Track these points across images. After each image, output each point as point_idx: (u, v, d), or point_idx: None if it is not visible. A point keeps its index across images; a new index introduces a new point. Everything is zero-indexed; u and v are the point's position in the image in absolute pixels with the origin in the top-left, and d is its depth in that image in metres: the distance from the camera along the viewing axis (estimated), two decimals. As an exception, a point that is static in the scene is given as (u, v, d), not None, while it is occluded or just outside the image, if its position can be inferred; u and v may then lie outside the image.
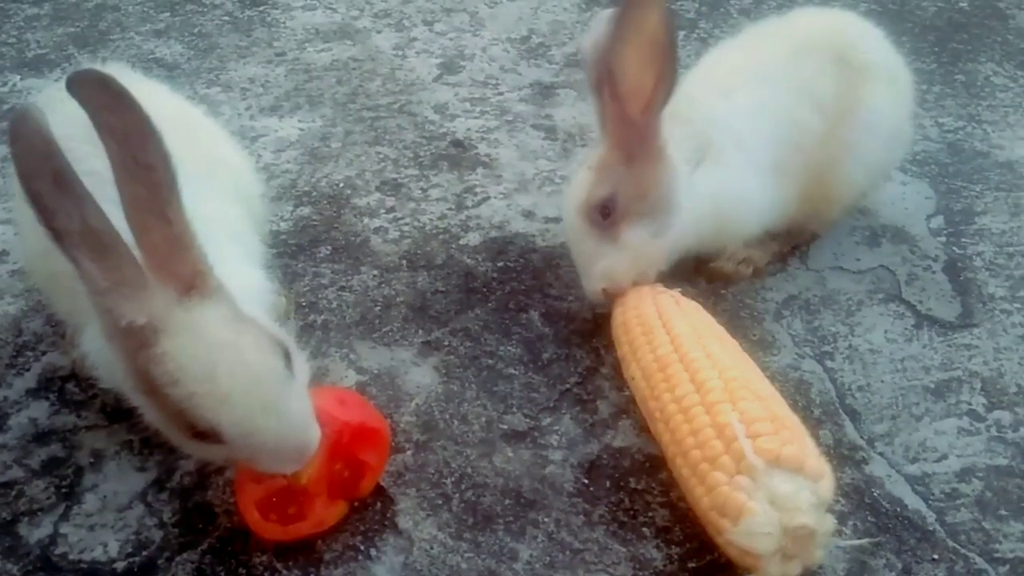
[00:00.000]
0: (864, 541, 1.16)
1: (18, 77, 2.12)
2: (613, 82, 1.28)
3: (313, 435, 1.03)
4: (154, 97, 1.35)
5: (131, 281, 0.93)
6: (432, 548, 1.16)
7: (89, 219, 0.91)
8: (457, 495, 1.22)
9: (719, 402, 1.11)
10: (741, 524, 1.02)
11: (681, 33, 2.14)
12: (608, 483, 1.24)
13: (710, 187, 1.40)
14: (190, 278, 0.96)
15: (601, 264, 1.35)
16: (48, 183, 0.89)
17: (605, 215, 1.33)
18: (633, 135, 1.32)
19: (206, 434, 0.97)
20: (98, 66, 1.37)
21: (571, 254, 1.44)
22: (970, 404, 1.38)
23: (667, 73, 1.28)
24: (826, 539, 1.05)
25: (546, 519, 1.20)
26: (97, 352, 1.11)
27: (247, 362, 0.96)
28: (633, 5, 1.25)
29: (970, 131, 2.00)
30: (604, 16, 1.37)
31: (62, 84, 1.33)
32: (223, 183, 1.27)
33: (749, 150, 1.43)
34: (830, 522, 1.05)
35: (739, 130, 1.42)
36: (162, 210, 0.94)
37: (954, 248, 1.68)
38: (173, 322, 0.94)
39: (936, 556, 1.17)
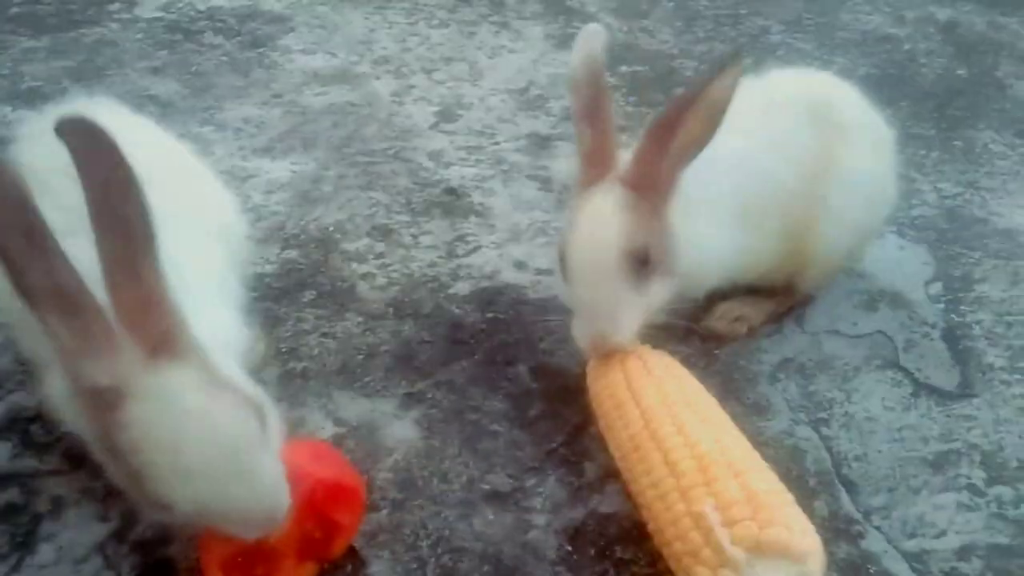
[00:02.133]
0: None
1: (10, 108, 2.09)
2: (666, 137, 1.25)
3: (283, 501, 0.97)
4: (140, 132, 1.33)
5: (99, 342, 0.88)
6: (404, 615, 1.10)
7: (59, 278, 0.86)
8: (433, 559, 1.16)
9: (693, 486, 1.06)
10: None
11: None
12: (593, 551, 1.19)
13: (682, 236, 1.36)
14: (161, 337, 0.91)
15: (628, 314, 1.27)
16: (20, 239, 0.85)
17: (643, 264, 1.26)
18: (660, 187, 1.28)
19: (162, 505, 0.92)
20: (87, 100, 1.36)
21: (581, 298, 1.29)
22: (969, 478, 1.33)
23: (709, 136, 1.26)
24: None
25: (526, 588, 1.14)
26: (60, 396, 1.05)
27: (216, 432, 0.91)
28: (724, 76, 1.23)
29: (968, 197, 1.98)
30: (592, 31, 1.33)
31: (47, 116, 1.31)
32: (207, 222, 1.23)
33: (714, 200, 1.39)
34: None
35: (705, 180, 1.38)
36: (135, 266, 0.90)
37: (953, 315, 1.65)
38: (140, 386, 0.89)
39: (935, 640, 1.11)
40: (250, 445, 0.94)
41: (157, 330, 0.91)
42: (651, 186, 1.28)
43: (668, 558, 1.08)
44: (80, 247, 0.93)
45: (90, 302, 0.88)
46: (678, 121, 1.24)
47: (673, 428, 1.13)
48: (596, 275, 1.27)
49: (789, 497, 1.05)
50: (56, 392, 1.05)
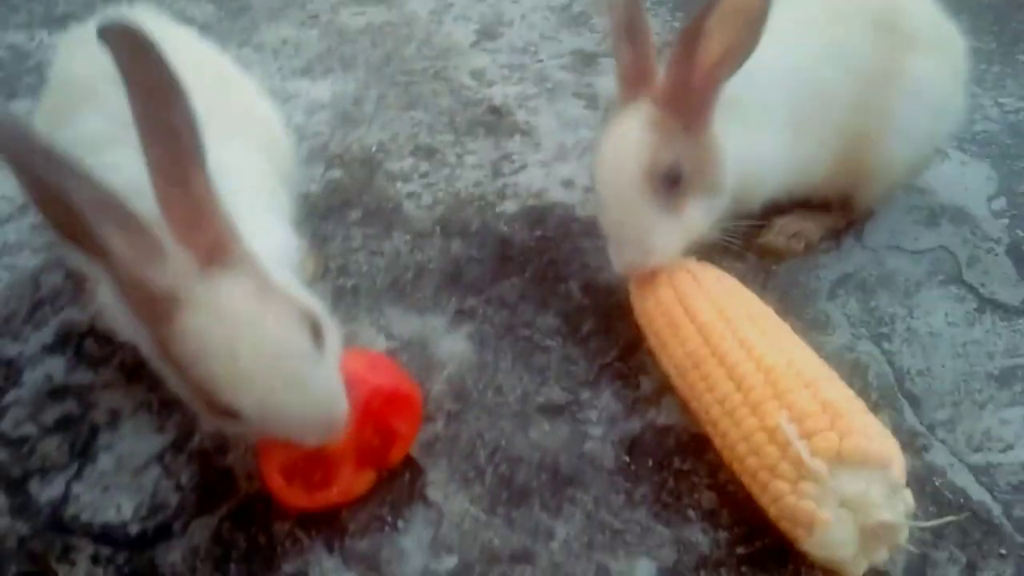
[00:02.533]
0: (943, 520, 1.06)
1: (46, 32, 2.07)
2: (692, 47, 1.18)
3: (341, 410, 0.96)
4: (183, 44, 1.30)
5: (150, 250, 0.87)
6: (463, 522, 1.09)
7: (100, 191, 0.84)
8: (491, 468, 1.15)
9: (764, 400, 1.02)
10: (815, 535, 0.94)
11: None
12: (651, 462, 1.17)
13: (735, 145, 1.30)
14: (213, 247, 0.90)
15: (662, 237, 1.22)
16: (44, 163, 0.82)
17: (672, 184, 1.21)
18: (693, 102, 1.22)
19: (229, 412, 0.91)
20: (128, 9, 1.32)
21: (610, 222, 1.27)
22: (1037, 393, 1.30)
23: (748, 46, 1.19)
24: (908, 521, 0.97)
25: (584, 497, 1.12)
26: (114, 306, 1.05)
27: (269, 339, 0.90)
28: None
29: (1033, 113, 1.90)
30: None
31: (85, 24, 1.28)
32: (252, 134, 1.20)
33: (769, 107, 1.33)
34: (909, 500, 0.97)
35: (761, 86, 1.32)
36: (183, 175, 0.88)
37: (1017, 231, 1.58)
38: (194, 295, 0.88)
39: (1003, 551, 1.08)
40: (303, 353, 0.92)
41: (209, 239, 0.90)
42: (683, 101, 1.21)
43: (741, 474, 1.06)
44: (126, 155, 0.91)
45: (132, 211, 0.86)
46: (702, 29, 1.16)
47: (735, 342, 1.10)
48: (621, 198, 1.22)
49: (861, 404, 1.02)
50: (109, 302, 1.05)
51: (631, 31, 1.25)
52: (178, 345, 0.88)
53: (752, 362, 1.07)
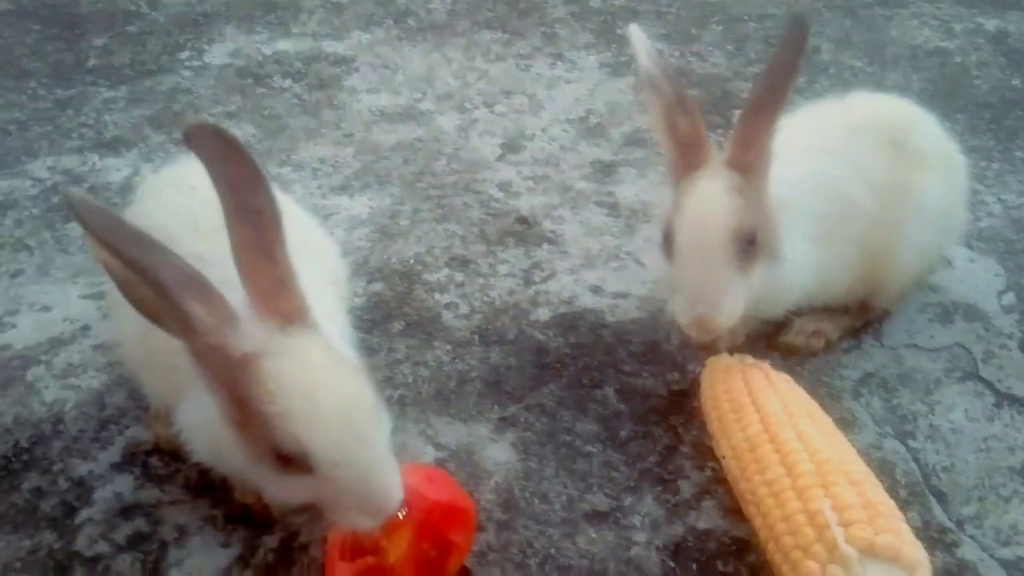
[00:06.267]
0: None
1: (97, 157, 2.20)
2: (771, 112, 1.28)
3: (397, 488, 1.01)
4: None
5: (234, 318, 0.97)
6: (519, 631, 1.14)
7: (184, 267, 0.95)
8: (542, 576, 1.21)
9: (811, 487, 1.10)
10: None
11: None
12: (695, 566, 1.23)
13: None
14: (292, 313, 1.00)
15: (732, 296, 1.29)
16: (134, 246, 0.93)
17: (750, 246, 1.29)
18: (762, 167, 1.32)
19: (293, 461, 0.97)
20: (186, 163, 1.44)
21: (687, 277, 1.30)
22: (1059, 486, 1.35)
23: (787, 92, 1.29)
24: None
25: (633, 602, 1.18)
26: (192, 426, 1.13)
27: (345, 387, 0.99)
28: (795, 37, 1.26)
29: (1034, 207, 2.00)
30: (634, 30, 1.39)
31: (159, 173, 1.40)
32: (316, 266, 1.30)
33: (797, 218, 1.43)
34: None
35: (790, 199, 1.42)
36: (269, 250, 0.99)
37: (1028, 325, 1.66)
38: (275, 347, 0.97)
39: (1039, 646, 1.13)
40: (373, 408, 1.01)
41: (288, 307, 1.00)
42: (755, 166, 1.31)
43: (773, 553, 1.11)
44: None
45: (215, 288, 0.96)
46: (779, 94, 1.27)
47: (793, 434, 1.18)
48: (706, 256, 1.29)
49: (900, 515, 1.09)
50: (187, 422, 1.13)
51: (682, 105, 1.34)
52: (257, 389, 0.95)
53: (806, 453, 1.15)
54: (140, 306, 0.98)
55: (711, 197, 1.30)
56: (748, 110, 1.30)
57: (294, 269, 1.01)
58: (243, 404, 0.97)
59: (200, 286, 0.96)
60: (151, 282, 0.93)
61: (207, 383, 1.01)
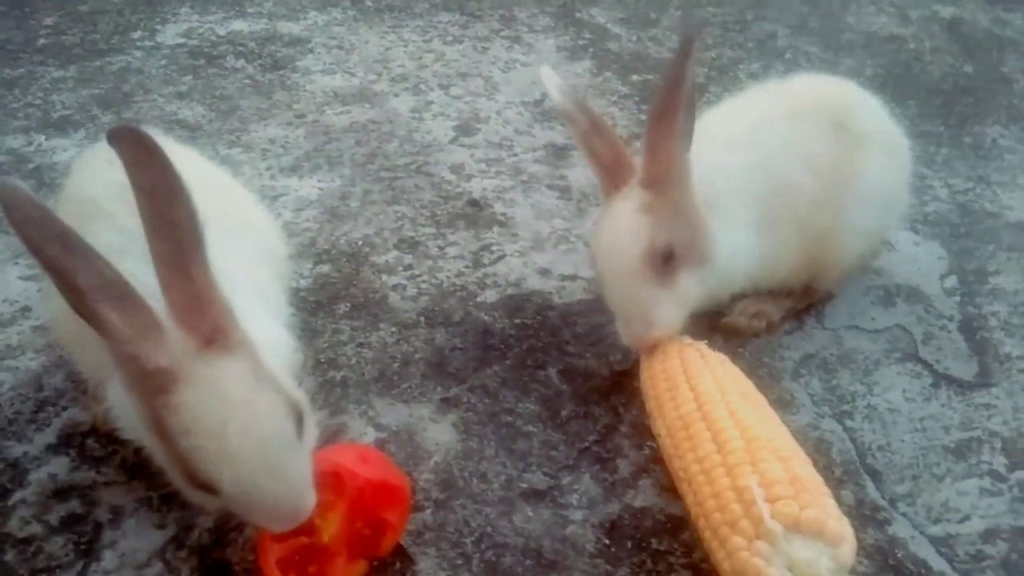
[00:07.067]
0: None
1: (43, 137, 2.16)
2: (670, 123, 1.29)
3: (309, 500, 1.03)
4: (184, 161, 1.39)
5: (151, 330, 0.95)
6: (453, 609, 1.15)
7: (105, 273, 0.93)
8: (477, 555, 1.21)
9: (739, 464, 1.11)
10: None
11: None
12: (630, 544, 1.24)
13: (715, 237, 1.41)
14: (211, 332, 0.98)
15: (662, 310, 1.32)
16: (57, 247, 0.92)
17: (667, 260, 1.32)
18: (674, 179, 1.33)
19: (207, 486, 0.98)
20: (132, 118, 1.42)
21: (615, 301, 1.37)
22: (991, 464, 1.38)
23: (693, 119, 1.32)
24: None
25: (567, 580, 1.19)
26: (120, 405, 1.11)
27: (258, 423, 0.97)
28: (682, 58, 1.27)
29: (979, 192, 2.03)
30: (545, 72, 1.45)
31: (95, 147, 1.38)
32: (251, 243, 1.29)
33: (739, 205, 1.44)
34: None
35: (734, 184, 1.43)
36: (184, 266, 0.97)
37: (969, 308, 1.69)
38: (192, 373, 0.96)
39: (964, 620, 1.15)
40: (287, 443, 1.00)
41: (208, 325, 0.98)
42: (667, 179, 1.33)
43: (703, 529, 1.13)
44: (138, 268, 0.99)
45: (136, 294, 0.94)
46: (676, 105, 1.28)
47: (725, 412, 1.19)
48: (623, 280, 1.34)
49: (827, 491, 1.10)
50: (116, 401, 1.12)
51: (597, 130, 1.39)
52: (171, 418, 0.95)
53: (737, 430, 1.16)
54: (69, 301, 0.95)
55: (619, 221, 1.34)
56: (650, 123, 1.32)
57: (215, 285, 0.99)
58: (157, 419, 0.97)
59: (121, 294, 0.94)
60: (67, 285, 0.92)
61: (126, 385, 0.99)
